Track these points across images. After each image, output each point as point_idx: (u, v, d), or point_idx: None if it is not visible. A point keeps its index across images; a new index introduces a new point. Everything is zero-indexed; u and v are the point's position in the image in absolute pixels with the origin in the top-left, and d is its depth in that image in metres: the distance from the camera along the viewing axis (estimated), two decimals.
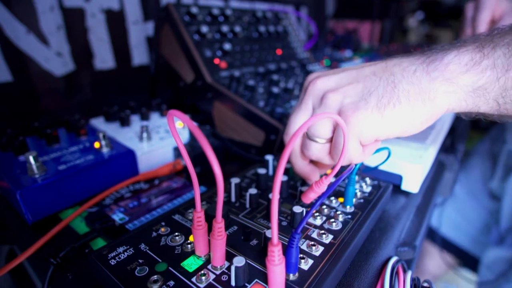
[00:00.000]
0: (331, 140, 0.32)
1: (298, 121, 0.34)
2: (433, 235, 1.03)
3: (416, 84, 0.28)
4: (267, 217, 0.33)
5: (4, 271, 0.31)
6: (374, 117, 0.29)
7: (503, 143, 0.89)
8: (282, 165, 0.19)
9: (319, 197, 0.32)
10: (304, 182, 0.40)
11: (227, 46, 0.67)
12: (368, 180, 0.40)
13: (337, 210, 0.34)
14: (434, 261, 1.06)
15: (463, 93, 0.28)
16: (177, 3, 0.67)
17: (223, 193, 0.22)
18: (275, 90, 0.60)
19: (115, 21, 0.78)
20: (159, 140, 0.51)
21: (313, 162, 0.37)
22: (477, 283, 0.88)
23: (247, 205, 0.35)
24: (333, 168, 0.31)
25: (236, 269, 0.24)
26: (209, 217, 0.28)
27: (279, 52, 0.81)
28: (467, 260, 1.01)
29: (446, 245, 1.03)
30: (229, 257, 0.26)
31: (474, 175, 0.98)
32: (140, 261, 0.27)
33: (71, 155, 0.44)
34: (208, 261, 0.27)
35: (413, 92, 0.28)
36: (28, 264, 0.38)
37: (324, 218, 0.33)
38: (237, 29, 0.72)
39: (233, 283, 0.24)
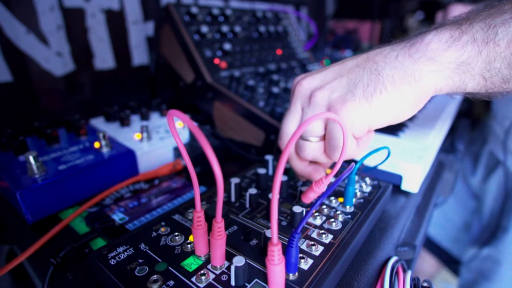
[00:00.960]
0: (324, 138, 0.32)
1: (290, 124, 0.34)
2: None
3: (399, 68, 0.29)
4: (267, 217, 0.33)
5: (4, 271, 0.31)
6: (363, 107, 0.29)
7: (484, 143, 0.90)
8: (281, 166, 0.19)
9: (319, 197, 0.32)
10: (304, 182, 0.40)
11: (227, 46, 0.67)
12: (368, 180, 0.40)
13: (337, 210, 0.34)
14: (427, 260, 1.07)
15: (448, 71, 0.28)
16: (177, 3, 0.67)
17: (223, 193, 0.22)
18: (275, 90, 0.60)
19: (115, 21, 0.78)
20: (159, 140, 0.51)
21: (313, 161, 0.37)
22: (458, 285, 0.88)
23: (247, 205, 0.35)
24: (332, 167, 0.31)
25: (236, 269, 0.24)
26: (209, 217, 0.28)
27: (279, 52, 0.81)
28: (447, 261, 1.02)
29: (429, 245, 1.04)
30: (229, 257, 0.26)
31: None
32: (140, 261, 0.27)
33: (71, 155, 0.44)
34: (208, 261, 0.27)
35: (398, 76, 0.28)
36: (28, 264, 0.38)
37: (324, 218, 0.33)
38: (237, 29, 0.72)
39: (233, 282, 0.24)
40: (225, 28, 0.69)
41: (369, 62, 0.30)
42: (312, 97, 0.32)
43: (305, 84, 0.33)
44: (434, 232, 1.02)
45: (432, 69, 0.28)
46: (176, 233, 0.30)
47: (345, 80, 0.31)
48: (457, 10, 0.75)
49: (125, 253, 0.28)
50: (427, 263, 1.07)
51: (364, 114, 0.29)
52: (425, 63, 0.28)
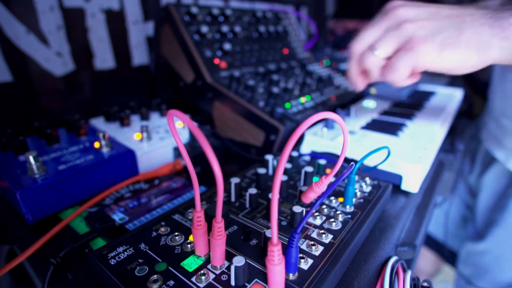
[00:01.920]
0: (388, 58, 0.38)
1: (370, 35, 0.40)
2: None
3: (478, 35, 0.34)
4: (267, 217, 0.33)
5: (4, 271, 0.31)
6: (434, 53, 0.35)
7: (479, 142, 0.91)
8: (282, 166, 0.19)
9: (319, 197, 0.32)
10: (304, 182, 0.40)
11: (227, 46, 0.67)
12: (368, 180, 0.40)
13: (336, 210, 0.34)
14: (426, 258, 1.07)
15: None
16: (177, 3, 0.67)
17: (223, 193, 0.22)
18: (275, 90, 0.60)
19: (115, 21, 0.78)
20: (159, 140, 0.51)
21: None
22: (455, 278, 0.89)
23: (247, 205, 0.35)
24: (332, 166, 0.31)
25: (236, 269, 0.24)
26: (209, 217, 0.28)
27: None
28: (446, 254, 1.03)
29: (429, 241, 1.05)
30: (229, 256, 0.26)
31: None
32: (140, 260, 0.27)
33: (71, 155, 0.44)
34: (208, 260, 0.27)
35: (473, 41, 0.34)
36: (28, 264, 0.38)
37: (324, 218, 0.33)
38: (237, 29, 0.72)
39: (232, 282, 0.24)
40: (225, 28, 0.69)
41: (460, 18, 0.35)
42: (401, 26, 0.37)
43: (401, 12, 0.38)
44: (433, 228, 1.04)
45: (503, 45, 0.33)
46: (176, 233, 0.30)
47: (434, 24, 0.36)
48: None
49: (125, 253, 0.28)
50: (426, 261, 1.07)
51: (432, 58, 0.35)
52: (499, 40, 0.33)
